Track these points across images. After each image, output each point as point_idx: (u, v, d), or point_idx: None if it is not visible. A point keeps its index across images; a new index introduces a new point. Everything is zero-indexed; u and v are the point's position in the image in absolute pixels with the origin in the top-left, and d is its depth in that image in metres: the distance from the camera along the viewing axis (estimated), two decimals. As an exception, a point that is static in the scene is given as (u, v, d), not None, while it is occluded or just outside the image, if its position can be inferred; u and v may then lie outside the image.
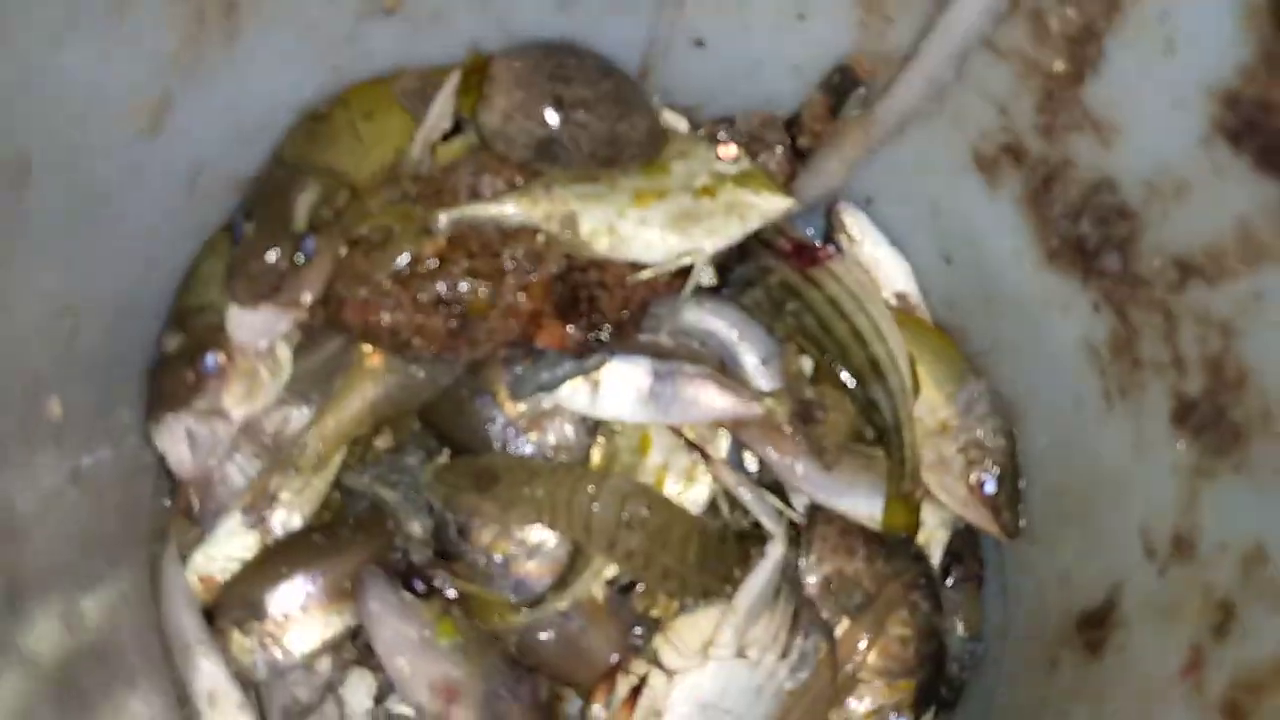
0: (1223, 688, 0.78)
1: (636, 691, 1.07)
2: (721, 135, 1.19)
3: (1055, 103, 0.95)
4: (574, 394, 1.12)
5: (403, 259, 1.03)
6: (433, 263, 1.04)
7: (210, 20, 0.86)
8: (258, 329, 1.00)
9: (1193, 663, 0.82)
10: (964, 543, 1.24)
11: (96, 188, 0.85)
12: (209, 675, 1.04)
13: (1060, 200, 0.99)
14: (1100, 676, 0.96)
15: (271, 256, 0.95)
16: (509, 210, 1.06)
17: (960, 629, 1.23)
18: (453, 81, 1.07)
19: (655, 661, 1.09)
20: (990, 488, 1.13)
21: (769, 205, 1.12)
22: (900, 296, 1.24)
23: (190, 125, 0.92)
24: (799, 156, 1.19)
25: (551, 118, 1.04)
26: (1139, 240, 0.92)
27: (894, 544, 1.18)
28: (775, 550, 1.12)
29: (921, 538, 1.20)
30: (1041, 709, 1.05)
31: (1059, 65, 0.92)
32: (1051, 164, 0.98)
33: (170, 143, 0.91)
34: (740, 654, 1.08)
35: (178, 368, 1.02)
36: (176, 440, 1.01)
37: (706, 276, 1.19)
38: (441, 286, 1.04)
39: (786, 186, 1.17)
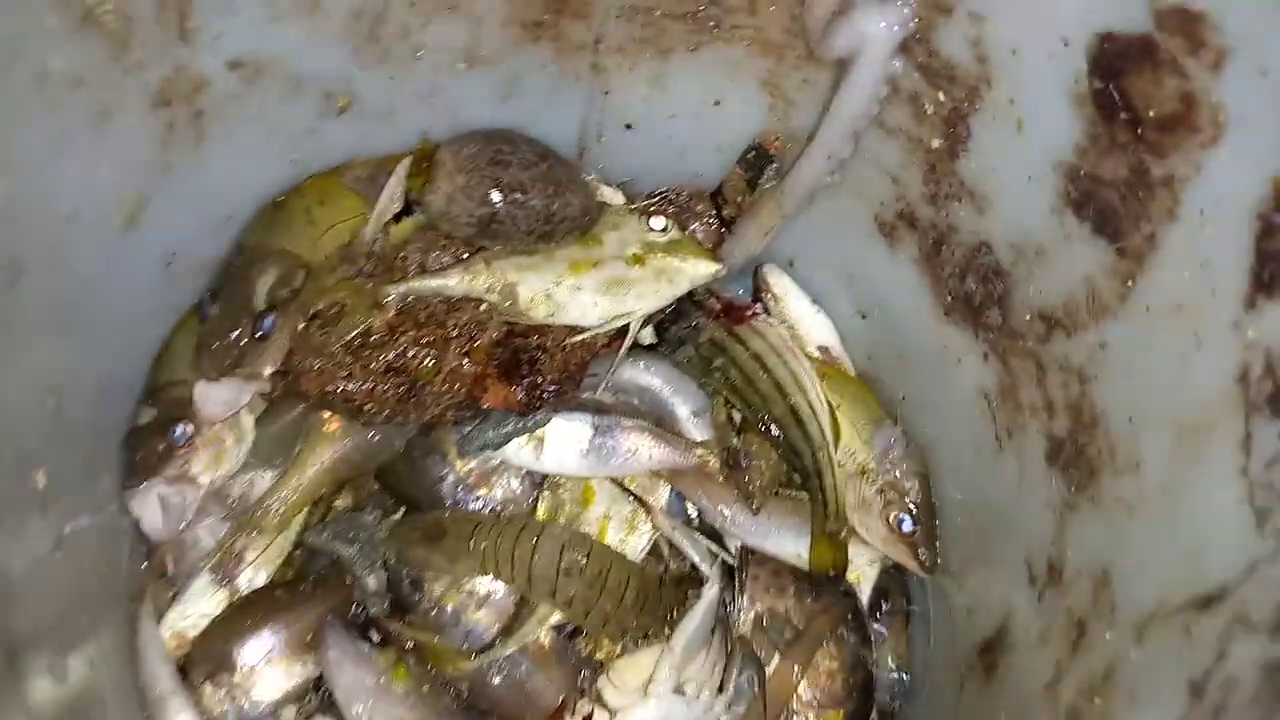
0: (1071, 696, 0.86)
1: (582, 730, 1.14)
2: (653, 208, 1.30)
3: (937, 174, 1.05)
4: (519, 451, 1.20)
5: (355, 331, 1.12)
6: (383, 334, 1.13)
7: (179, 128, 0.96)
8: (222, 401, 1.08)
9: (1055, 677, 0.90)
10: (892, 579, 1.31)
11: (81, 280, 0.95)
12: (181, 726, 1.10)
13: (949, 261, 1.09)
14: (993, 697, 1.03)
15: (234, 334, 1.04)
16: (452, 283, 1.15)
17: (890, 660, 1.29)
18: (403, 167, 1.17)
19: (599, 701, 1.16)
20: (908, 526, 1.21)
21: (696, 270, 1.22)
22: (823, 349, 1.34)
23: (163, 219, 1.01)
24: (724, 225, 1.30)
25: (493, 199, 1.13)
26: (1012, 296, 1.01)
27: (822, 581, 1.26)
28: (710, 591, 1.20)
29: (852, 575, 1.28)
30: (951, 731, 1.12)
31: (936, 141, 1.03)
32: (940, 228, 1.09)
33: (146, 236, 1.00)
34: (678, 690, 1.15)
35: (150, 438, 1.10)
36: (149, 506, 1.09)
37: (646, 335, 1.28)
38: (391, 355, 1.13)
39: (713, 252, 1.26)
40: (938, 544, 1.23)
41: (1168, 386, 0.83)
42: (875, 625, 1.29)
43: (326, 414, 1.18)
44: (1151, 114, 0.79)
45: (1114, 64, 0.81)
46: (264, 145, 1.07)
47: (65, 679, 0.95)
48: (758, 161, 1.24)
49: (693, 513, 1.31)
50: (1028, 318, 1.00)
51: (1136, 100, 0.80)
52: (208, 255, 1.11)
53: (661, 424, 1.25)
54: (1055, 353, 0.97)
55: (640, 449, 1.22)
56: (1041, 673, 0.92)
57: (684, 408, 1.26)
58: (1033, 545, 1.01)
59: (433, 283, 1.15)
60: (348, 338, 1.12)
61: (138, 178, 0.97)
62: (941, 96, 1.00)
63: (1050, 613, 0.95)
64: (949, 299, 1.11)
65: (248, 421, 1.15)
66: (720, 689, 1.18)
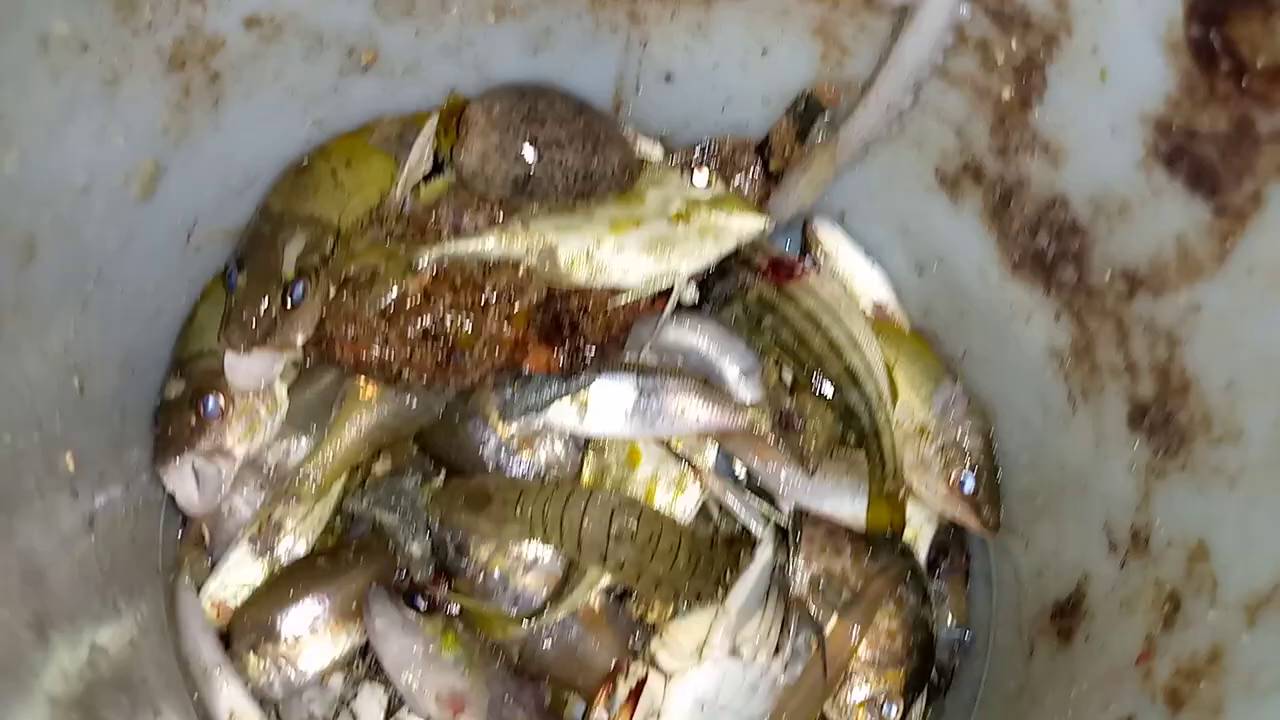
0: (1168, 675, 0.82)
1: (636, 693, 1.12)
2: (695, 162, 1.23)
3: (1007, 126, 0.98)
4: (563, 414, 1.16)
5: (389, 296, 1.07)
6: (418, 299, 1.09)
7: (195, 91, 0.91)
8: (254, 372, 1.04)
9: (1146, 651, 0.86)
10: (950, 537, 1.28)
11: (97, 254, 0.91)
12: (228, 697, 1.09)
13: (1018, 216, 1.03)
14: (1070, 663, 1.00)
15: (263, 304, 1.00)
16: (489, 245, 1.10)
17: (949, 619, 1.27)
18: (431, 125, 1.11)
19: (652, 664, 1.13)
20: (969, 486, 1.17)
21: (742, 226, 1.16)
22: (878, 306, 1.27)
23: (182, 187, 0.97)
24: (771, 179, 1.23)
25: (527, 157, 1.08)
26: (1090, 254, 0.95)
27: (879, 541, 1.22)
28: (763, 553, 1.17)
29: (909, 534, 1.24)
30: (1020, 693, 1.09)
31: (1007, 92, 0.96)
32: (1008, 183, 1.02)
33: (165, 205, 0.96)
34: (734, 653, 1.13)
35: (181, 412, 1.07)
36: (184, 480, 1.06)
37: (689, 295, 1.23)
38: (427, 320, 1.09)
39: (760, 207, 1.20)
40: (1001, 504, 1.18)
41: (1274, 354, 0.77)
42: (934, 583, 1.26)
43: (362, 379, 1.15)
44: (1260, 63, 0.72)
45: (1215, 8, 0.74)
46: (285, 106, 1.02)
47: (102, 654, 0.93)
48: (808, 112, 1.16)
49: (740, 472, 1.27)
50: (1108, 276, 0.94)
51: (1242, 47, 0.73)
52: (230, 223, 1.07)
53: (709, 385, 1.20)
54: (1139, 313, 0.91)
55: (688, 410, 1.17)
56: (1129, 645, 0.89)
57: (733, 368, 1.21)
58: (1113, 510, 0.97)
59: (468, 245, 1.10)
60: (381, 304, 1.08)
61: (153, 145, 0.92)
62: (1014, 44, 0.92)
63: (1135, 581, 0.92)
64: (1017, 255, 1.05)
65: (281, 391, 1.11)
66: (776, 650, 1.15)
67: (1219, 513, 0.84)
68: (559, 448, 1.21)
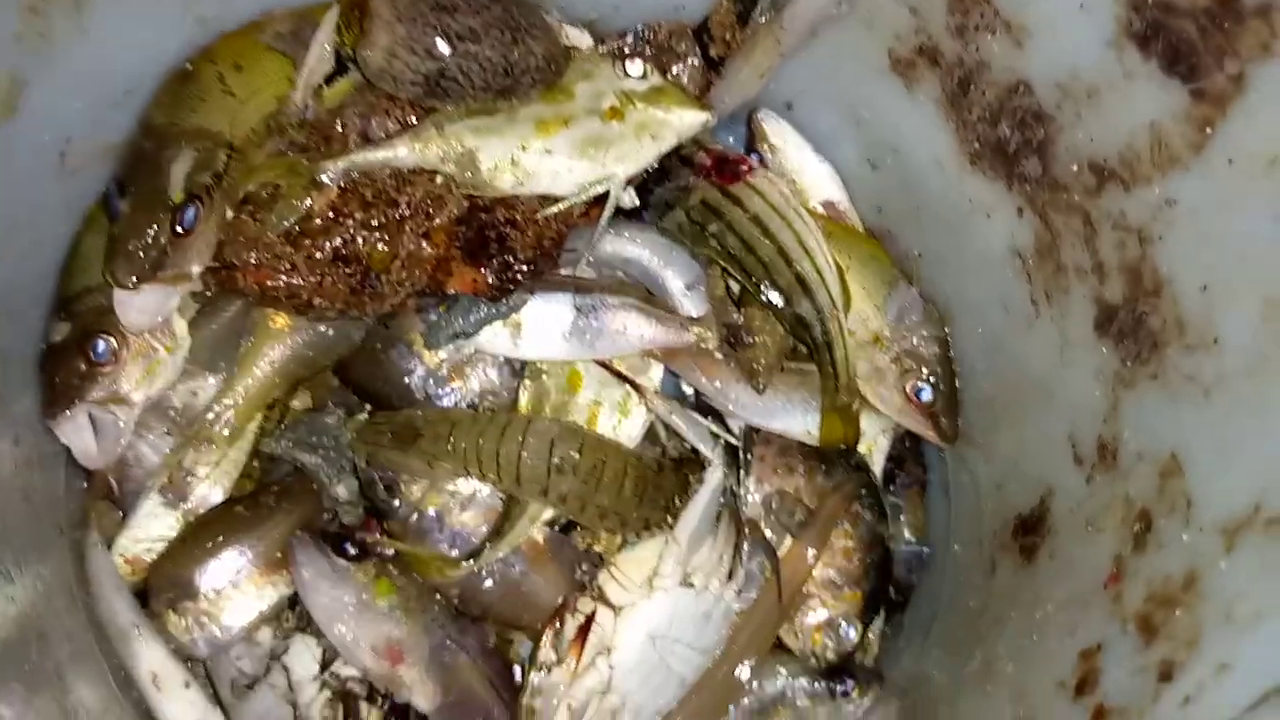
0: (1139, 600, 0.78)
1: (585, 630, 1.08)
2: (628, 50, 1.13)
3: (966, 3, 0.90)
4: (495, 337, 1.10)
5: (293, 216, 0.98)
6: (326, 218, 0.99)
7: (53, -10, 0.80)
8: (147, 309, 0.95)
9: (1115, 573, 0.82)
10: (906, 449, 1.25)
11: (-40, 180, 0.81)
12: (149, 658, 1.03)
13: (978, 103, 0.96)
14: (1033, 582, 0.97)
15: (151, 231, 0.90)
16: (402, 153, 1.01)
17: (906, 533, 1.24)
18: (330, 18, 1.00)
19: (601, 598, 1.09)
20: (926, 395, 1.12)
21: (683, 121, 1.07)
22: (827, 204, 1.20)
23: (49, 101, 0.87)
24: (711, 67, 1.14)
25: (440, 51, 0.98)
26: (1056, 144, 0.89)
27: (833, 457, 1.18)
28: (713, 476, 1.12)
29: (863, 447, 1.20)
30: (982, 612, 1.06)
31: (965, -37, 0.87)
32: (967, 66, 0.95)
33: (31, 122, 0.87)
34: (685, 582, 1.09)
35: (68, 357, 0.98)
36: (78, 432, 0.98)
37: (627, 200, 1.14)
38: (337, 241, 1.00)
39: (701, 99, 1.11)
40: (959, 413, 1.14)
41: (1255, 254, 0.72)
42: (890, 498, 1.23)
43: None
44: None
45: None
46: (160, 2, 0.91)
47: (5, 616, 0.87)
48: (750, -9, 1.07)
49: (688, 390, 1.21)
50: (1075, 168, 0.87)
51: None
52: (108, 139, 0.96)
53: (652, 299, 1.13)
54: (1108, 208, 0.85)
55: (629, 328, 1.11)
56: (1096, 565, 0.85)
57: (676, 281, 1.14)
58: (1078, 420, 0.92)
59: (378, 154, 1.00)
60: (285, 224, 0.98)
61: (8, 56, 0.82)
62: (973, -92, 0.83)
63: (1102, 497, 0.87)
64: (977, 146, 0.98)
65: (180, 326, 1.02)
66: (729, 576, 1.12)
67: (1193, 425, 0.79)
68: (493, 374, 1.15)
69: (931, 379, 1.12)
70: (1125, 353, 0.86)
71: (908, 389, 1.13)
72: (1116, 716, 0.73)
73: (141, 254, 0.90)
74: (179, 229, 0.91)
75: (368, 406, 1.15)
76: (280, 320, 1.08)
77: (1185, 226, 0.78)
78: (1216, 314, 0.76)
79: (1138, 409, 0.85)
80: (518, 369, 1.15)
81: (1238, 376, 0.74)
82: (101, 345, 0.97)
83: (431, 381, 1.12)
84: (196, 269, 0.95)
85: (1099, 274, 0.88)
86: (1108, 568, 0.84)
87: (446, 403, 1.13)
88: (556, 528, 1.15)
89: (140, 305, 0.94)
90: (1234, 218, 0.73)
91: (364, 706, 1.08)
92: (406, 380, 1.11)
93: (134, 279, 0.90)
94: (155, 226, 0.90)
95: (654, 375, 1.17)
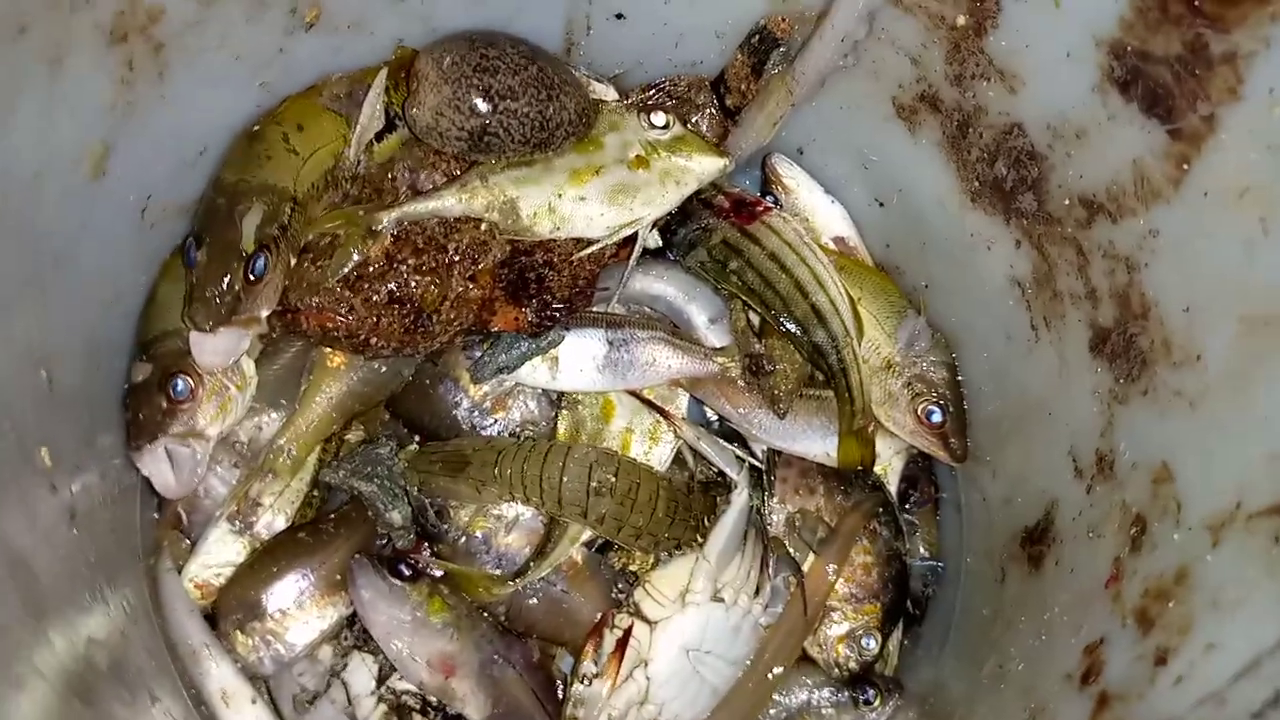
0: (1137, 597, 0.84)
1: (622, 644, 1.13)
2: (650, 101, 1.21)
3: (962, 53, 0.98)
4: (534, 371, 1.17)
5: (351, 263, 1.06)
6: (381, 264, 1.07)
7: (139, 64, 0.87)
8: (221, 350, 1.02)
9: (1115, 574, 0.88)
10: (919, 469, 1.30)
11: (54, 240, 0.88)
12: (218, 676, 1.09)
13: (976, 144, 1.03)
14: (1041, 588, 1.03)
15: (225, 280, 0.96)
16: (449, 203, 1.09)
17: (921, 549, 1.30)
18: (380, 79, 1.08)
19: (637, 613, 1.15)
20: (936, 417, 1.18)
21: (704, 167, 1.15)
22: (839, 240, 1.28)
23: (133, 163, 0.94)
24: (728, 116, 1.21)
25: (481, 109, 1.05)
26: (1049, 181, 0.96)
27: (851, 478, 1.24)
28: (739, 497, 1.18)
29: (879, 468, 1.27)
30: (993, 619, 1.12)
31: (961, 18, 0.96)
32: (965, 110, 1.02)
33: (116, 183, 0.93)
34: (716, 597, 1.14)
35: (150, 396, 1.05)
36: (159, 464, 1.05)
37: (652, 241, 1.22)
38: (392, 285, 1.07)
39: (719, 147, 1.19)
40: (967, 433, 1.20)
41: (1231, 276, 0.79)
42: (905, 516, 1.28)
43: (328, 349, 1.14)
44: (1211, -18, 0.73)
45: (1167, -72, 0.74)
46: (231, 71, 0.98)
47: (95, 645, 0.93)
48: (763, 45, 1.15)
49: (712, 416, 1.28)
50: (1066, 203, 0.95)
51: (1193, -33, 0.73)
52: (184, 196, 1.04)
53: (678, 332, 1.21)
54: (1099, 239, 0.92)
55: (658, 359, 1.18)
56: (1098, 568, 0.91)
57: (701, 315, 1.22)
58: (1077, 436, 0.99)
59: (428, 204, 1.09)
60: (344, 270, 1.06)
61: (100, 123, 0.89)
62: (966, -31, 0.92)
63: (1102, 505, 0.94)
64: (976, 184, 1.06)
65: (249, 366, 1.10)
66: (757, 591, 1.17)
67: (1181, 435, 0.85)
68: (533, 405, 1.21)
69: (941, 402, 1.18)
70: (1118, 371, 0.92)
71: (919, 412, 1.19)
72: (1118, 701, 0.79)
73: (217, 300, 0.96)
74: (251, 276, 0.98)
75: (417, 438, 1.21)
76: (337, 359, 1.15)
77: (1168, 254, 0.85)
78: (1199, 333, 0.82)
79: (1131, 423, 0.91)
80: (555, 400, 1.22)
81: (1220, 389, 0.80)
82: (180, 384, 1.04)
83: (476, 413, 1.19)
84: (265, 313, 1.01)
85: (1092, 300, 0.95)
86: (1108, 569, 0.90)
87: (490, 433, 1.20)
88: (594, 549, 1.22)
89: (215, 347, 1.01)
90: (1211, 244, 0.80)
91: (417, 719, 1.14)
92: (454, 412, 1.18)
93: (211, 323, 0.97)
94: (229, 275, 0.97)
95: (681, 403, 1.24)
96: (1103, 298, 0.93)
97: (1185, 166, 0.81)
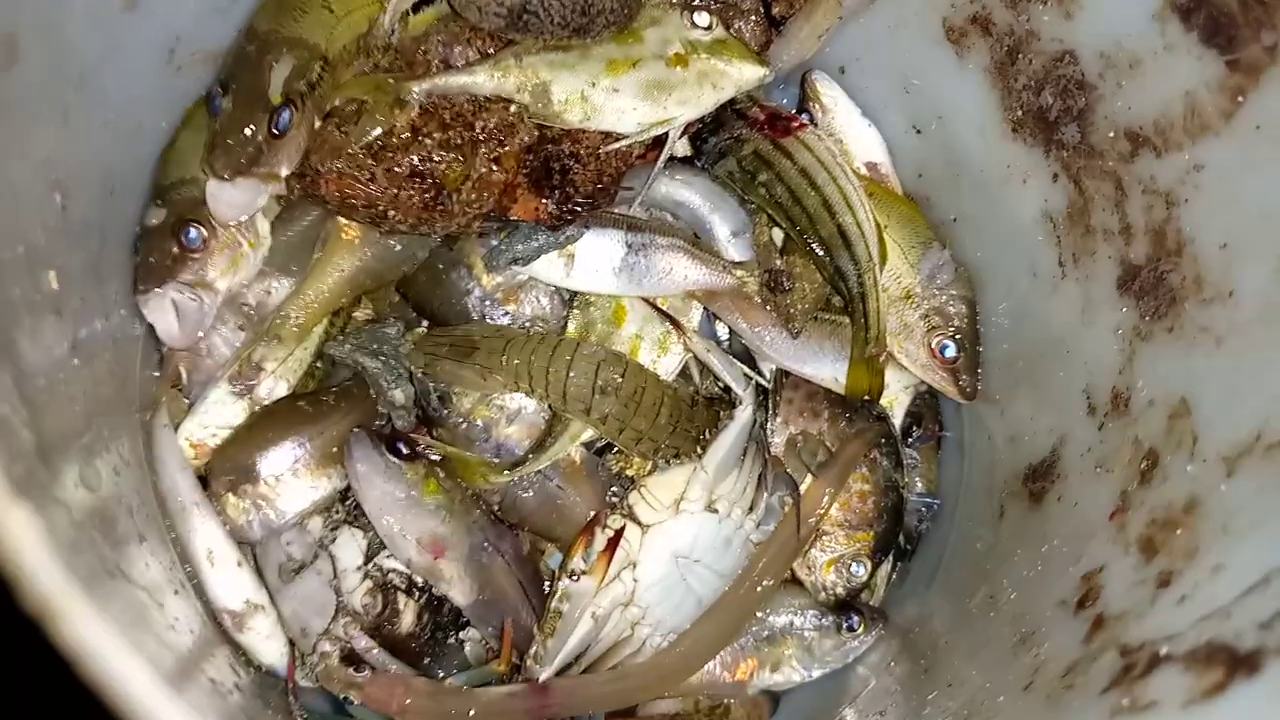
0: (1142, 526, 0.84)
1: (613, 543, 1.13)
2: (696, 2, 1.19)
3: (1021, -28, 0.96)
4: (549, 266, 1.15)
5: (376, 131, 1.04)
6: (406, 135, 1.05)
7: (181, -107, 0.85)
8: (237, 202, 1.00)
9: (1120, 507, 0.88)
10: (925, 404, 1.29)
11: (79, 63, 0.86)
12: (206, 535, 1.08)
13: (1025, 71, 1.01)
14: (1041, 522, 1.02)
15: (248, 129, 0.95)
16: (480, 80, 1.06)
17: (919, 485, 1.30)
18: (422, -52, 1.06)
19: (630, 516, 1.15)
20: (950, 352, 1.18)
21: (743, 74, 1.12)
22: (871, 166, 1.26)
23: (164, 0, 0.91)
24: (773, 25, 1.19)
25: (523, -14, 1.03)
26: (1095, 112, 0.94)
27: (857, 406, 1.23)
28: (743, 413, 1.17)
29: (885, 400, 1.26)
30: (988, 553, 1.12)
31: (1025, -65, 0.93)
32: (1017, 35, 1.00)
33: (148, 17, 0.91)
34: (710, 508, 1.14)
35: (162, 240, 1.03)
36: (164, 312, 1.03)
37: (680, 148, 1.20)
38: (415, 159, 1.05)
39: (761, 55, 1.17)
40: (979, 371, 1.19)
41: (1275, 212, 0.77)
42: (907, 450, 1.27)
43: (345, 221, 1.12)
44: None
45: None
46: (274, -83, 0.96)
47: (93, 485, 0.91)
48: (815, -47, 1.12)
49: (723, 333, 1.27)
50: (1111, 135, 0.93)
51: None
52: (213, 43, 1.01)
53: (698, 242, 1.19)
54: (1139, 173, 0.91)
55: (675, 269, 1.17)
56: (1102, 502, 0.90)
57: (723, 227, 1.20)
58: (1094, 374, 0.98)
59: (459, 79, 1.06)
60: (368, 138, 1.04)
61: None
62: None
63: (1113, 441, 0.93)
64: (1019, 113, 1.04)
65: (264, 225, 1.08)
66: (751, 508, 1.17)
67: (1203, 371, 0.84)
68: (544, 301, 1.20)
69: (957, 336, 1.17)
70: (1145, 309, 0.91)
71: (933, 345, 1.18)
72: (1115, 621, 0.79)
73: (239, 149, 0.95)
74: (275, 130, 0.96)
75: (425, 322, 1.20)
76: (352, 232, 1.13)
77: (1211, 189, 0.84)
78: (1235, 269, 0.81)
79: (1152, 360, 0.91)
80: (567, 299, 1.21)
81: (1249, 324, 0.79)
82: (194, 232, 1.02)
83: (487, 303, 1.17)
84: (286, 170, 0.99)
85: (1125, 236, 0.94)
86: (1113, 503, 0.90)
87: (499, 324, 1.18)
88: (593, 449, 1.21)
89: (231, 198, 1.00)
90: (1257, 179, 0.79)
91: (401, 598, 1.13)
92: (464, 300, 1.17)
93: (230, 171, 0.95)
94: (253, 125, 0.95)
95: (694, 316, 1.22)
96: (1136, 234, 0.92)
97: (1240, 99, 0.79)
